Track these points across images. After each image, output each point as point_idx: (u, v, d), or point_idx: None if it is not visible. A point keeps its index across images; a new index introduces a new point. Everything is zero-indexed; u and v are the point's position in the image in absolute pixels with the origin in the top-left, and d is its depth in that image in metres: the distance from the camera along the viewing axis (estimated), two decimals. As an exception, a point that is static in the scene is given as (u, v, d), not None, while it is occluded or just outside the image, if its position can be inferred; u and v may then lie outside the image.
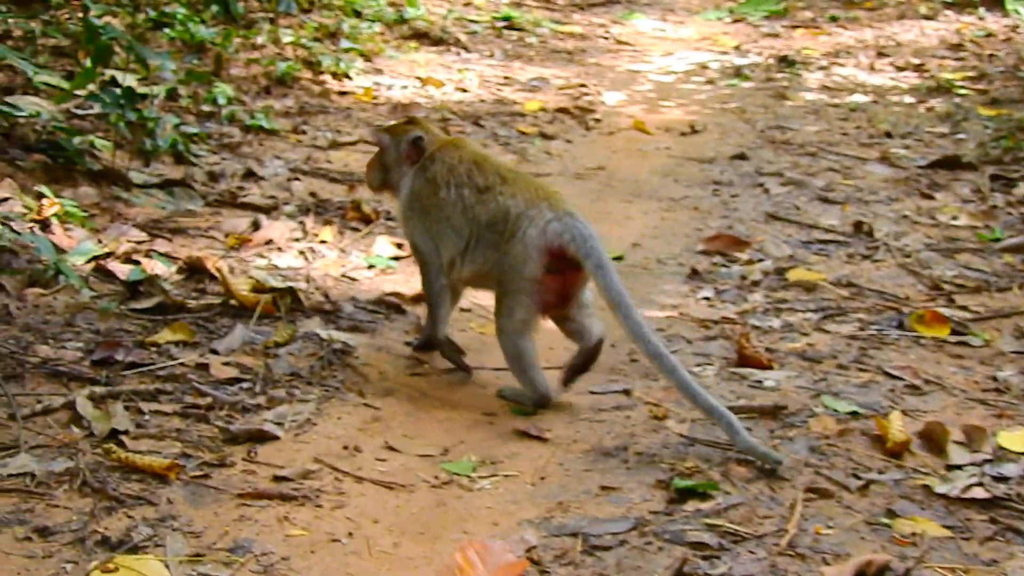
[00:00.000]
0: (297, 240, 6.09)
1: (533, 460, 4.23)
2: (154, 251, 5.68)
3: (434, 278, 4.92)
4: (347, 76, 9.94)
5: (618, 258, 6.30)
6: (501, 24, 13.13)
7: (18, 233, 5.36)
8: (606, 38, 13.44)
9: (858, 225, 6.83)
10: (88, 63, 6.34)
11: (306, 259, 5.90)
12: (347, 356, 4.90)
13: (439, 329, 4.98)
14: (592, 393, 4.80)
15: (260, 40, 10.13)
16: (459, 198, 4.75)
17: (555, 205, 4.63)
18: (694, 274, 6.09)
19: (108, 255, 5.53)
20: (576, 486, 4.03)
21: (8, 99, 6.95)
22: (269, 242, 6.02)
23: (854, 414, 4.53)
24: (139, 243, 5.78)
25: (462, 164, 4.82)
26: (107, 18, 9.41)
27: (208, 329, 4.97)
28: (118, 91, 6.27)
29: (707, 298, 5.81)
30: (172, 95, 8.15)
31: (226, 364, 4.68)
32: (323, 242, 6.12)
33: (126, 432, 4.07)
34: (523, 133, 8.93)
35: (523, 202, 4.64)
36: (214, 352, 4.76)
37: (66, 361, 4.50)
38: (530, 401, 4.68)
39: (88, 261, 5.43)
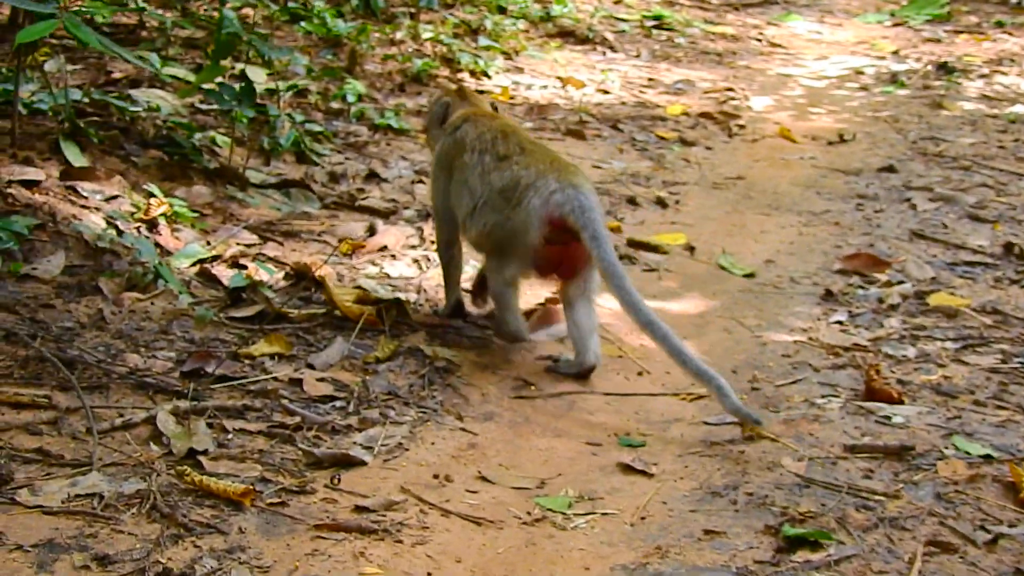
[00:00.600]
0: (413, 247, 5.86)
1: (635, 497, 3.94)
2: (263, 255, 5.50)
3: (447, 245, 5.19)
4: (485, 74, 9.70)
5: (749, 275, 5.97)
6: (651, 23, 12.73)
7: (122, 233, 5.21)
8: (759, 40, 12.95)
9: (1009, 247, 6.35)
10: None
11: (419, 268, 5.66)
12: (449, 375, 4.66)
13: (452, 293, 5.23)
14: (706, 424, 4.49)
15: (399, 35, 9.93)
16: (479, 163, 4.95)
17: (562, 176, 4.81)
18: (828, 295, 5.70)
19: (214, 258, 5.36)
20: (678, 528, 3.73)
21: (133, 92, 6.84)
22: (383, 248, 5.80)
23: (987, 458, 4.14)
24: (248, 246, 5.60)
25: (490, 132, 5.02)
26: (246, 10, 9.34)
27: (307, 341, 4.75)
28: (237, 87, 6.08)
29: (840, 322, 5.42)
30: (301, 91, 7.99)
31: (321, 380, 4.46)
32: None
33: (205, 452, 3.86)
34: (662, 138, 8.59)
35: (534, 172, 4.81)
36: (310, 367, 4.55)
37: (154, 372, 4.33)
38: (505, 334, 4.95)
39: (193, 264, 5.27)
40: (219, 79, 6.20)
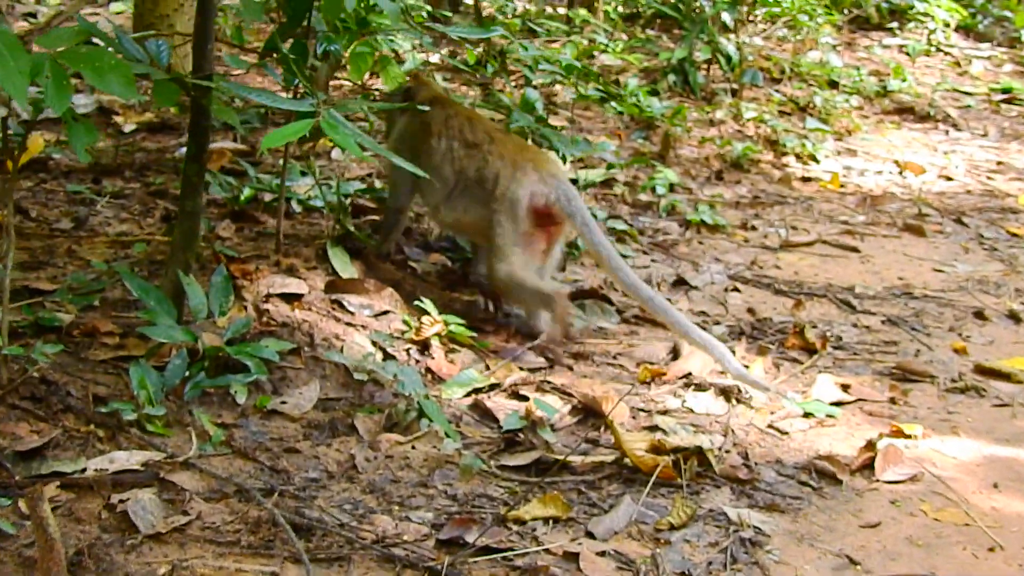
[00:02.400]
0: (721, 373, 5.03)
1: None
2: (548, 383, 4.80)
3: (396, 211, 5.45)
4: (813, 159, 8.80)
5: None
6: (999, 97, 11.54)
7: (388, 358, 4.59)
8: None
9: None
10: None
11: (728, 401, 4.83)
12: (757, 548, 3.80)
13: (386, 246, 5.46)
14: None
15: (718, 115, 9.13)
16: (448, 149, 5.24)
17: (540, 166, 5.14)
18: None
19: (492, 387, 4.69)
20: None
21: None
22: (687, 375, 5.00)
23: None
24: (533, 371, 4.91)
25: (456, 118, 5.31)
26: (557, 87, 8.75)
27: (589, 500, 3.99)
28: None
29: None
30: (607, 181, 7.29)
31: (601, 554, 3.68)
32: (752, 378, 5.05)
33: (452, 660, 3.15)
34: (1014, 235, 7.50)
35: (510, 162, 5.12)
36: (590, 535, 3.78)
37: (405, 540, 3.63)
38: (545, 308, 5.13)
39: (466, 395, 4.61)
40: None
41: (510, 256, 5.06)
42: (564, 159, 5.96)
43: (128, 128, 6.94)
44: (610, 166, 7.44)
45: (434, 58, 9.14)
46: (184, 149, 5.84)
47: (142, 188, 5.97)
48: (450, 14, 9.66)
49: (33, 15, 10.58)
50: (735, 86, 9.82)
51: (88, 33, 3.84)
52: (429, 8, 6.03)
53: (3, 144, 3.89)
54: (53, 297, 4.52)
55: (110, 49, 3.91)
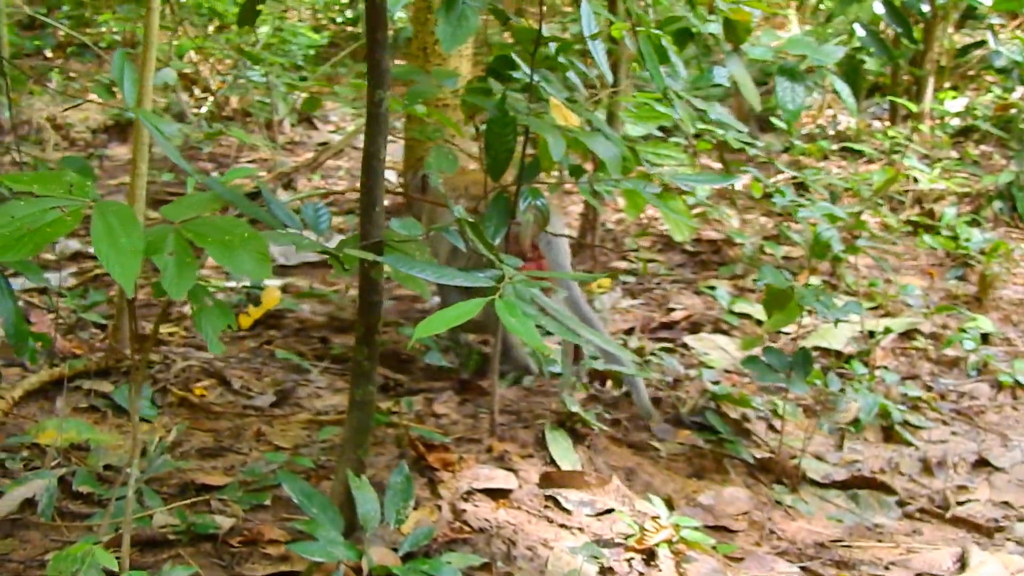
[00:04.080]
0: (1025, 599, 4.05)
1: None
2: (804, 603, 3.95)
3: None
4: None
5: None
6: None
7: (608, 572, 3.85)
8: None
9: None
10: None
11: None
12: None
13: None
14: None
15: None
16: None
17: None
18: None
19: (732, 610, 3.88)
20: None
21: (689, 339, 5.53)
22: (977, 596, 4.04)
23: None
24: (785, 584, 4.07)
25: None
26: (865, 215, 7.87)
27: None
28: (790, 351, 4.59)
29: None
30: (907, 332, 6.33)
31: None
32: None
33: None
34: None
35: None
36: None
37: None
38: None
39: (697, 621, 3.81)
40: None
41: None
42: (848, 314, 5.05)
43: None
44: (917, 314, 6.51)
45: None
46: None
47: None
48: (754, 137, 8.93)
49: (326, 143, 10.48)
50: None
51: (222, 200, 3.33)
52: (740, 128, 5.26)
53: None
54: (222, 493, 3.98)
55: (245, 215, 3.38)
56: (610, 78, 4.51)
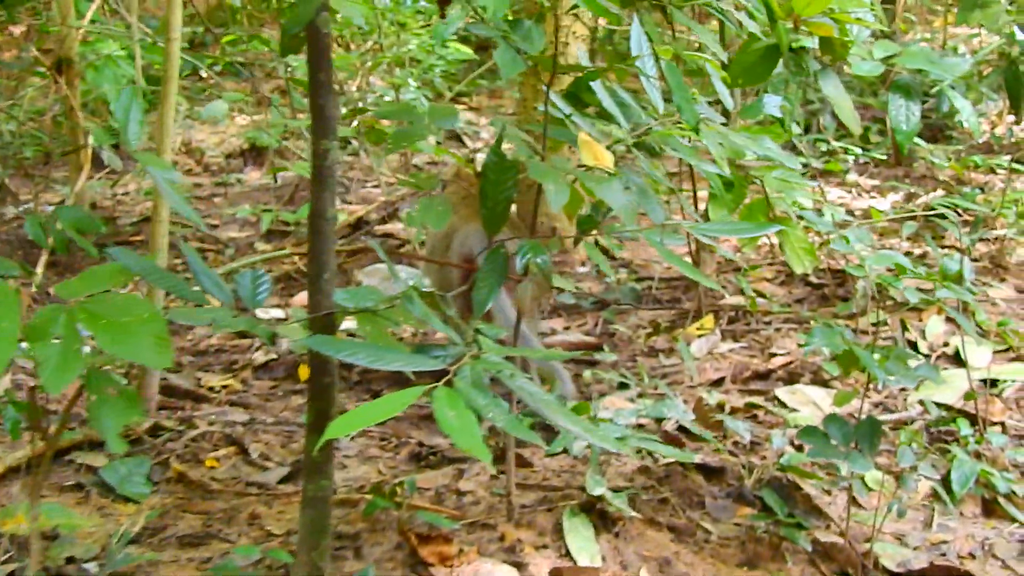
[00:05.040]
0: None
1: None
2: None
3: None
4: None
5: None
6: None
7: None
8: None
9: None
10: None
11: None
12: None
13: None
14: None
15: None
16: None
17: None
18: None
19: None
20: None
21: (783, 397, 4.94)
22: None
23: None
24: None
25: None
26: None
27: None
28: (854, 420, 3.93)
29: None
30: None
31: None
32: None
33: None
34: None
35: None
36: None
37: None
38: None
39: None
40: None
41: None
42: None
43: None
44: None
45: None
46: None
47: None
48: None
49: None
50: None
51: (129, 273, 2.91)
52: (784, 162, 4.63)
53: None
54: (193, 591, 3.57)
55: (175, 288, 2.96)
56: (661, 106, 3.94)
